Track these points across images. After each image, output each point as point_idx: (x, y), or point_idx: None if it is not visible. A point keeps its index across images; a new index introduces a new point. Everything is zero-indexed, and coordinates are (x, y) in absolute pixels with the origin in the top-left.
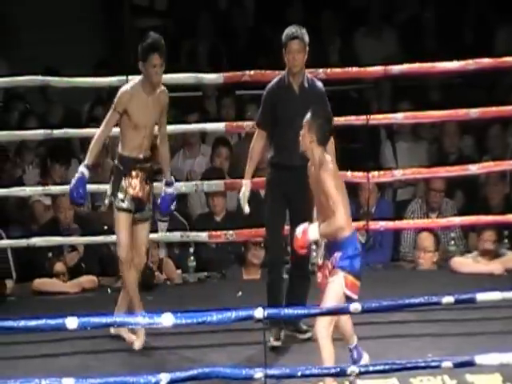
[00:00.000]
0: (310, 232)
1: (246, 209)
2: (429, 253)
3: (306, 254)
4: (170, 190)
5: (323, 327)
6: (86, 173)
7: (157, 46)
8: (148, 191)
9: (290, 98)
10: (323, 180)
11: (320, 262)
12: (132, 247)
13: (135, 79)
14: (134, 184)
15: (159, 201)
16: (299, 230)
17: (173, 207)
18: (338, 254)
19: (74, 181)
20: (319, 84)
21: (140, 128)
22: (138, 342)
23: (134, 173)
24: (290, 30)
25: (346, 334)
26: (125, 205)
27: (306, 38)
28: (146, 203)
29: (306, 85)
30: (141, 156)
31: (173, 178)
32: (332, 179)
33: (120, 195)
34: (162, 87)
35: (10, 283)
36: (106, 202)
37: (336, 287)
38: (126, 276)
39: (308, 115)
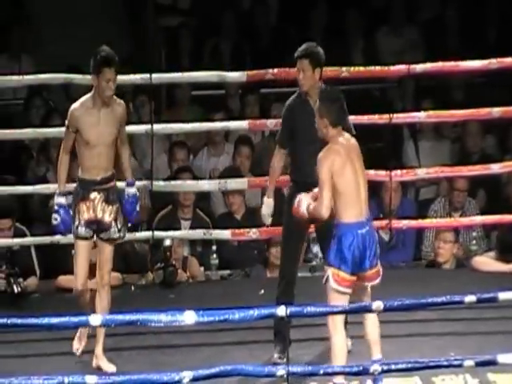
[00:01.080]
0: (302, 205)
1: (268, 222)
2: (448, 243)
3: None
4: (132, 191)
5: (333, 324)
6: (64, 201)
7: (110, 60)
8: (112, 211)
9: (308, 113)
10: (318, 163)
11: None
12: (96, 269)
13: (86, 95)
14: (91, 207)
15: (124, 205)
16: (297, 199)
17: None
18: (332, 242)
19: (55, 216)
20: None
21: (93, 145)
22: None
23: (91, 195)
24: (302, 47)
25: (370, 342)
26: (81, 231)
27: (316, 57)
28: (111, 224)
29: None
30: (98, 178)
31: (133, 179)
32: (327, 164)
33: (76, 221)
34: (118, 100)
35: (33, 280)
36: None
37: (328, 290)
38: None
39: (317, 103)
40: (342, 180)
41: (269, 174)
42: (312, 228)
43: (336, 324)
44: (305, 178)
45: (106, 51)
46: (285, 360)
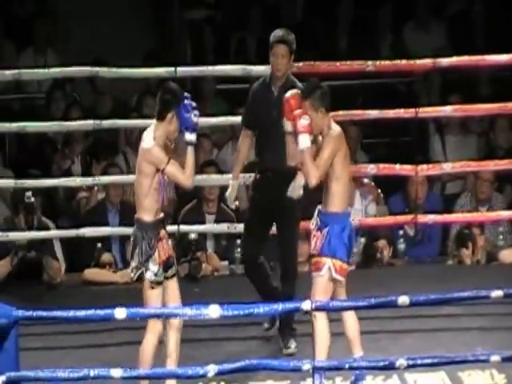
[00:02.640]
0: (301, 140)
1: (234, 205)
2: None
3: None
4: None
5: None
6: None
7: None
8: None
9: (270, 100)
10: (325, 143)
11: (312, 227)
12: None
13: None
14: (164, 246)
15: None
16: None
17: None
18: (324, 232)
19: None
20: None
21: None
22: None
23: (161, 234)
24: (278, 32)
25: (350, 339)
26: (159, 278)
27: (293, 44)
28: (173, 256)
29: (288, 88)
30: (162, 215)
31: None
32: (336, 145)
33: (153, 267)
34: None
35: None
36: (133, 275)
37: (321, 280)
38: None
39: (301, 97)
40: (342, 166)
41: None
42: None
43: (321, 317)
44: (267, 165)
45: None
46: (272, 330)
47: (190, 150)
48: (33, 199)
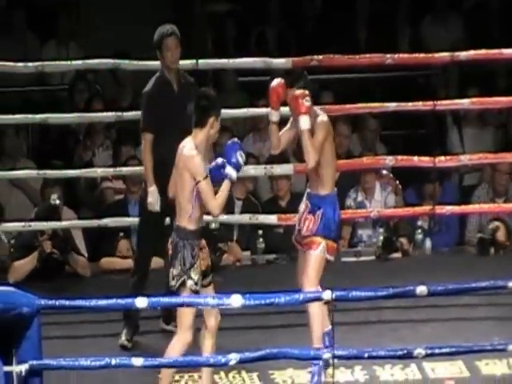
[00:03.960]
0: (303, 121)
1: (157, 209)
2: None
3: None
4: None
5: (310, 286)
6: None
7: None
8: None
9: (171, 95)
10: (318, 128)
11: (302, 210)
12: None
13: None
14: (203, 255)
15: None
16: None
17: None
18: (318, 214)
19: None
20: (191, 78)
21: None
22: None
23: (202, 243)
24: (164, 27)
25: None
26: (198, 287)
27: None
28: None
29: (183, 80)
30: (202, 224)
31: None
32: (326, 130)
33: (194, 276)
34: None
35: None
36: (175, 282)
37: (316, 257)
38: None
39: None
40: (331, 151)
41: (145, 164)
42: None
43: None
44: (166, 159)
45: None
46: (131, 345)
47: (227, 184)
48: (58, 202)
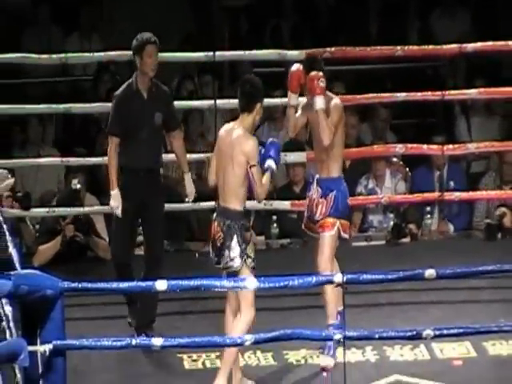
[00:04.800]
0: (318, 101)
1: (119, 213)
2: None
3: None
4: None
5: (326, 265)
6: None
7: None
8: None
9: (140, 102)
10: (333, 110)
11: (314, 196)
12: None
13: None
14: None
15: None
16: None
17: None
18: (331, 196)
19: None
20: (164, 87)
21: None
22: None
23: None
24: (145, 34)
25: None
26: (255, 263)
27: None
28: None
29: (154, 89)
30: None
31: None
32: (340, 114)
33: (251, 253)
34: None
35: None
36: (239, 263)
37: (331, 238)
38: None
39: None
40: (342, 135)
41: (109, 167)
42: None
43: (329, 264)
44: (136, 165)
45: None
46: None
47: (269, 175)
48: (79, 186)
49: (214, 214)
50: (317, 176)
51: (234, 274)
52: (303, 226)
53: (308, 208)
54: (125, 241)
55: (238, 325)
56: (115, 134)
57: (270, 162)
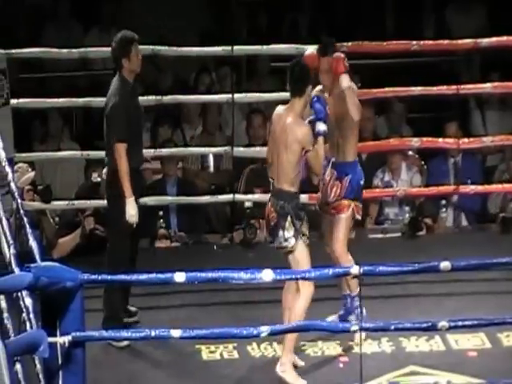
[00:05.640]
0: (344, 79)
1: (136, 220)
2: None
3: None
4: None
5: (342, 249)
6: None
7: None
8: None
9: (136, 101)
10: (350, 93)
11: (328, 178)
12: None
13: None
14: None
15: None
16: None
17: None
18: (346, 180)
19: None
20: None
21: None
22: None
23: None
24: (128, 33)
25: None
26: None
27: None
28: None
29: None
30: None
31: None
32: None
33: (306, 231)
34: None
35: None
36: (293, 242)
37: (346, 220)
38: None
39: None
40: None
41: (122, 175)
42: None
43: (343, 248)
44: (139, 165)
45: None
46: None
47: (321, 141)
48: (99, 179)
49: (269, 194)
50: (332, 159)
51: (288, 254)
52: (317, 207)
53: (322, 190)
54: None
55: (299, 302)
56: (125, 140)
57: (319, 126)
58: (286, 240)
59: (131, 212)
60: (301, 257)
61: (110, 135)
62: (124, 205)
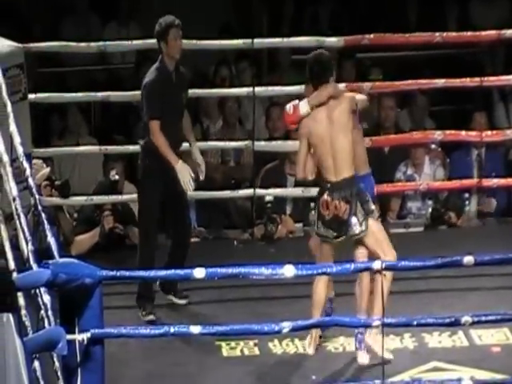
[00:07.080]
0: (301, 107)
1: (192, 188)
2: None
3: None
4: None
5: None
6: None
7: None
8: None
9: (171, 86)
10: (349, 101)
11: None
12: None
13: None
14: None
15: None
16: (289, 106)
17: None
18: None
19: None
20: (182, 69)
21: None
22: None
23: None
24: (169, 17)
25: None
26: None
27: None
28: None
29: (178, 72)
30: None
31: None
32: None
33: (373, 208)
34: None
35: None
36: (362, 227)
37: (376, 234)
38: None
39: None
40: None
41: (162, 149)
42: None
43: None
44: (173, 148)
45: None
46: (154, 317)
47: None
48: (117, 177)
49: (325, 194)
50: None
51: (359, 240)
52: None
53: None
54: (153, 235)
55: (385, 284)
56: (158, 118)
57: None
58: (360, 224)
59: (185, 177)
60: (378, 234)
61: (144, 114)
62: (152, 184)
